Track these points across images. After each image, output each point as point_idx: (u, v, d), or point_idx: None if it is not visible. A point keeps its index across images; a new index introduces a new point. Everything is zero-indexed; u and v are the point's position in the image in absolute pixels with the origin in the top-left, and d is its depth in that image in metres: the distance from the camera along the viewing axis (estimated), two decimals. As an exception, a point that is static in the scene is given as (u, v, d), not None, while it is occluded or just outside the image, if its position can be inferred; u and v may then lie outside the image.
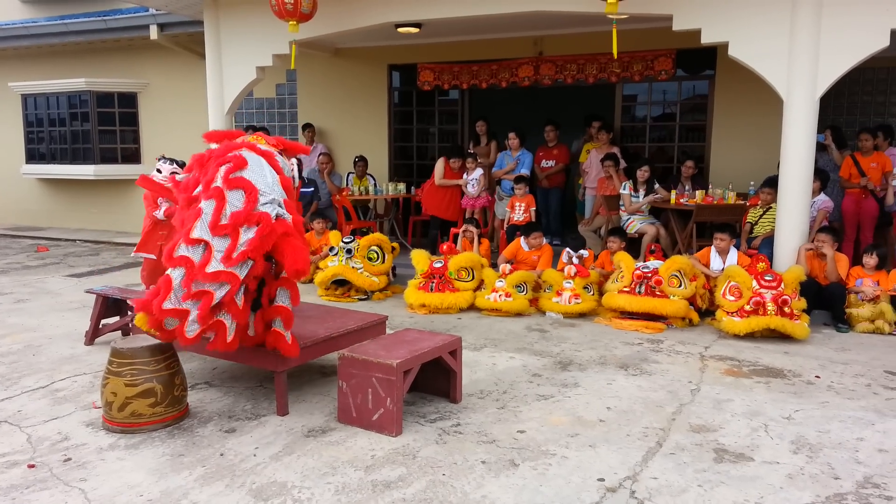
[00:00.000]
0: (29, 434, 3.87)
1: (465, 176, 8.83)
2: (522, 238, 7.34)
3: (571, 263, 6.76)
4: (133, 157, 12.13)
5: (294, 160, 4.35)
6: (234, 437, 3.82)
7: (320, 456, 3.59)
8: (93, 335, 5.65)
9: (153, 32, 10.23)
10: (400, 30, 8.06)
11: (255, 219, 3.70)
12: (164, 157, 5.90)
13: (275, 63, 8.13)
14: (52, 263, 9.54)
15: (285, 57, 7.99)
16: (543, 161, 9.29)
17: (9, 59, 12.71)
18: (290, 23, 6.94)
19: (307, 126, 10.49)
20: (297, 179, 4.26)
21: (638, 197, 7.96)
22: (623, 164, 8.53)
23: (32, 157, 12.71)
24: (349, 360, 3.92)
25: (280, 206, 3.83)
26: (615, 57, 6.79)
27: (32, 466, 3.47)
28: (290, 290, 3.98)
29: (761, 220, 7.14)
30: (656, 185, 7.99)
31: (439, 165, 9.01)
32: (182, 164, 5.87)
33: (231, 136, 4.20)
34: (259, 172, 3.83)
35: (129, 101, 11.98)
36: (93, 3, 12.10)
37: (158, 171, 5.83)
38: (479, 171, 8.80)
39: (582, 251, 6.99)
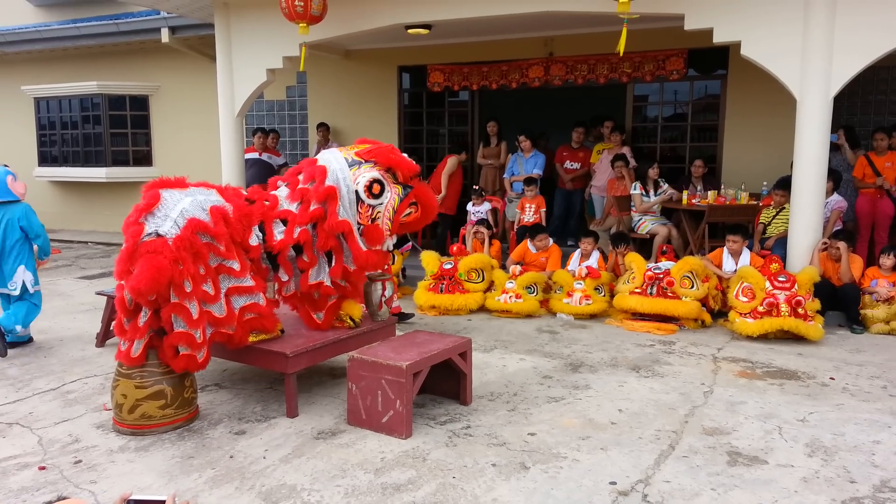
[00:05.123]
0: (40, 436, 3.88)
1: (470, 206, 8.49)
2: (529, 240, 7.30)
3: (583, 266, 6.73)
4: (145, 159, 12.19)
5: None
6: (243, 439, 3.82)
7: (330, 458, 3.57)
8: (104, 337, 5.66)
9: (164, 35, 10.28)
10: (410, 31, 8.05)
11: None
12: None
13: (285, 65, 8.14)
14: (64, 265, 9.58)
15: (295, 59, 8.00)
16: (568, 162, 9.15)
17: (22, 62, 12.80)
18: (301, 25, 6.95)
19: (321, 125, 10.45)
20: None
21: (648, 197, 7.92)
22: (633, 163, 8.48)
23: (45, 159, 12.80)
24: (359, 363, 3.91)
25: (172, 223, 3.80)
26: (620, 55, 6.74)
27: (43, 468, 3.47)
28: (182, 315, 3.77)
29: (774, 220, 7.07)
30: (665, 185, 7.93)
31: (454, 163, 8.90)
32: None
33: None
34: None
35: (140, 104, 12.04)
36: (104, 6, 12.17)
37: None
38: (486, 206, 8.46)
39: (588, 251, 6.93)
